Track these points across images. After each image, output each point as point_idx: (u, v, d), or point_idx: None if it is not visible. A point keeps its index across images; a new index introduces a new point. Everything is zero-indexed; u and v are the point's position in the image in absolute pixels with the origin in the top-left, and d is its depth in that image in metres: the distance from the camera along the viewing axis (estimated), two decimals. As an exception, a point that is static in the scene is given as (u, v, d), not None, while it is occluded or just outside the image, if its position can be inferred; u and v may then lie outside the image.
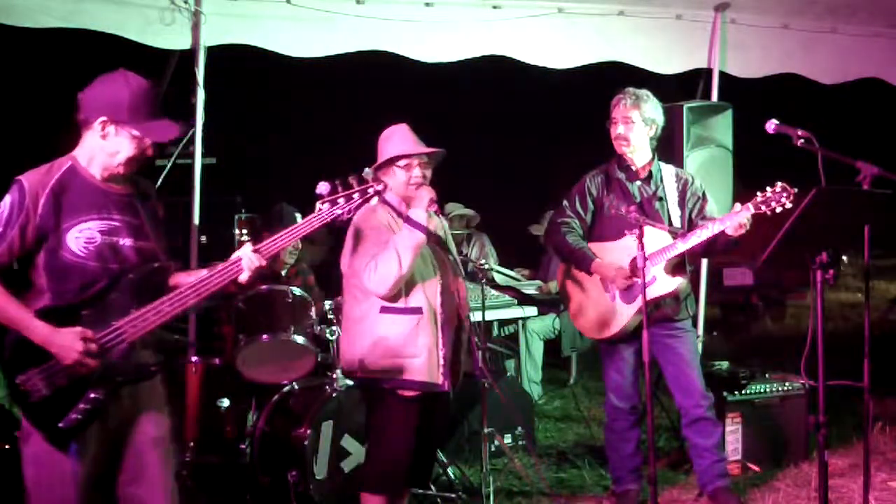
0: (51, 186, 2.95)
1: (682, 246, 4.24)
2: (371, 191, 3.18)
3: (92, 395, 2.91)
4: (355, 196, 3.15)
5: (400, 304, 3.75)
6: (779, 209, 3.99)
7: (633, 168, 4.49)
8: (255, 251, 3.05)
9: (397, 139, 3.87)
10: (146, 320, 2.97)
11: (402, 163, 3.83)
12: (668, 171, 4.53)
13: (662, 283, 4.31)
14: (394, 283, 3.65)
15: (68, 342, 2.85)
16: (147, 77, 3.07)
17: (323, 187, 3.13)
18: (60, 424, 2.87)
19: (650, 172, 4.49)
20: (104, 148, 3.00)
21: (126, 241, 3.05)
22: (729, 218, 4.13)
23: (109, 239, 3.01)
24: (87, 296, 2.96)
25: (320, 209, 3.13)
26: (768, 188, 4.03)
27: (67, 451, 2.88)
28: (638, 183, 4.48)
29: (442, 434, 4.45)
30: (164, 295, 3.01)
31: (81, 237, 2.97)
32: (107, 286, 2.98)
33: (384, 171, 3.85)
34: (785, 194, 3.99)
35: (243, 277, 3.07)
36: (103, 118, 2.97)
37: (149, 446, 3.08)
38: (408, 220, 3.72)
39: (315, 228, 3.14)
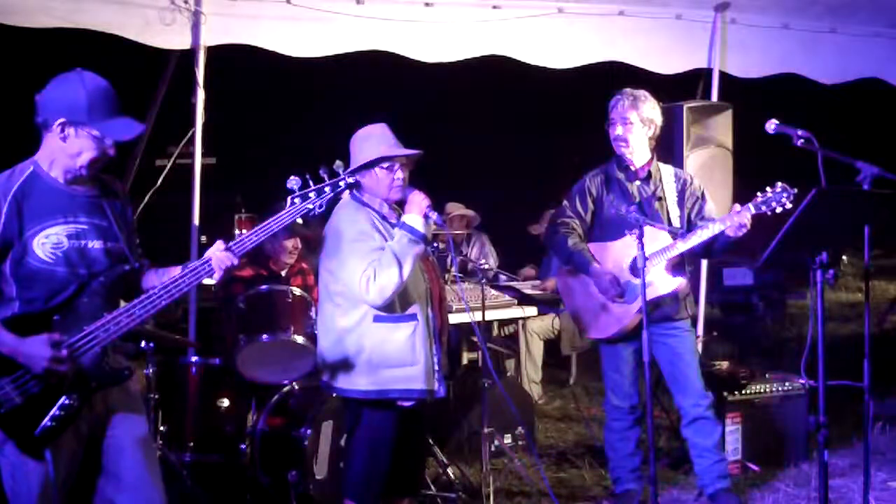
0: (13, 193, 2.90)
1: (683, 246, 4.25)
2: (343, 184, 3.14)
3: (66, 402, 2.88)
4: (326, 189, 3.11)
5: (395, 312, 3.66)
6: (779, 210, 3.99)
7: (633, 168, 4.49)
8: (227, 250, 3.02)
9: (377, 140, 3.76)
10: (119, 324, 2.92)
11: (384, 165, 3.73)
12: (667, 170, 4.53)
13: (662, 283, 4.31)
14: (393, 292, 3.57)
15: (36, 351, 2.81)
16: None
17: (293, 181, 3.09)
18: (35, 433, 2.84)
19: (649, 172, 4.49)
20: (65, 150, 2.94)
21: (95, 244, 3.01)
22: (729, 218, 4.13)
23: (77, 243, 2.97)
24: (57, 302, 2.93)
25: (292, 204, 3.09)
26: (768, 188, 4.03)
27: (42, 459, 2.85)
28: (637, 183, 4.48)
29: (427, 440, 4.42)
30: (135, 296, 2.98)
31: (48, 243, 2.92)
32: (77, 291, 2.95)
33: (362, 172, 3.74)
34: (785, 194, 3.99)
35: (215, 277, 3.02)
36: (62, 120, 2.90)
37: (128, 447, 3.04)
38: (404, 226, 3.64)
39: (287, 224, 3.10)
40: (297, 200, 3.10)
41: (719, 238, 4.21)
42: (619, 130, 4.43)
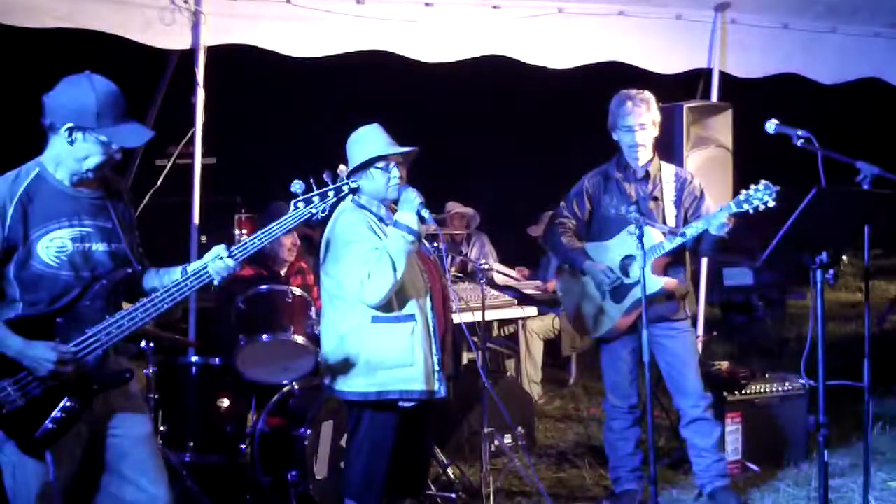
0: (18, 196, 2.90)
1: (668, 245, 4.22)
2: (346, 188, 3.15)
3: (67, 404, 2.89)
4: (330, 194, 3.12)
5: (393, 312, 3.68)
6: (762, 207, 3.96)
7: (632, 168, 4.48)
8: (230, 256, 3.02)
9: (371, 140, 3.77)
10: (121, 327, 2.93)
11: (379, 164, 3.73)
12: (667, 170, 4.53)
13: (650, 283, 4.26)
14: (388, 290, 3.58)
15: (41, 354, 2.83)
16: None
17: (297, 186, 3.10)
18: (36, 434, 2.85)
19: (647, 172, 4.47)
20: (72, 153, 2.93)
21: (99, 247, 3.01)
22: (712, 216, 4.10)
23: (81, 246, 2.97)
24: (60, 305, 2.93)
25: (295, 208, 3.10)
26: (752, 185, 4.00)
27: (43, 460, 2.86)
28: (635, 182, 4.48)
29: (433, 441, 4.42)
30: (136, 298, 2.99)
31: (52, 246, 2.92)
32: (80, 294, 2.95)
33: (359, 174, 3.75)
34: (768, 192, 3.94)
35: (216, 281, 3.03)
36: (70, 124, 2.89)
37: (132, 444, 3.06)
38: (397, 224, 3.65)
39: (290, 228, 3.12)
40: (300, 204, 3.10)
41: (705, 237, 4.19)
42: (639, 137, 4.38)
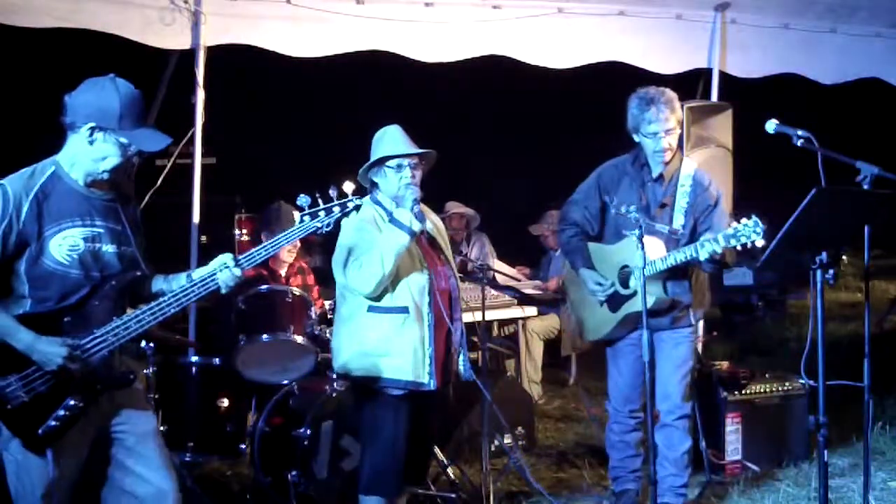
0: (34, 193, 2.92)
1: (661, 265, 4.09)
2: (351, 204, 3.22)
3: (71, 402, 2.91)
4: (335, 209, 3.19)
5: (386, 303, 3.80)
6: (749, 245, 3.81)
7: (648, 167, 4.33)
8: (236, 265, 3.09)
9: (388, 140, 3.89)
10: (128, 329, 2.97)
11: (392, 163, 3.85)
12: (686, 169, 4.33)
13: (639, 300, 4.09)
14: (377, 283, 3.72)
15: (52, 349, 2.85)
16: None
17: (303, 200, 3.17)
18: (39, 431, 2.87)
19: (661, 175, 4.31)
20: (90, 154, 2.97)
21: (109, 248, 3.04)
22: (700, 246, 3.97)
23: (92, 246, 3.00)
24: (68, 303, 2.96)
25: (301, 221, 3.17)
26: (743, 219, 3.84)
27: (45, 457, 2.88)
28: (649, 185, 4.33)
29: (436, 432, 4.47)
30: (144, 302, 3.03)
31: (64, 245, 2.95)
32: (89, 293, 2.98)
33: (376, 172, 3.90)
34: (756, 229, 3.79)
35: (223, 290, 3.09)
36: (91, 124, 2.92)
37: (138, 439, 3.09)
38: (393, 221, 3.78)
39: (294, 240, 3.22)
40: (306, 218, 3.18)
41: (695, 263, 4.11)
42: (668, 142, 4.22)
